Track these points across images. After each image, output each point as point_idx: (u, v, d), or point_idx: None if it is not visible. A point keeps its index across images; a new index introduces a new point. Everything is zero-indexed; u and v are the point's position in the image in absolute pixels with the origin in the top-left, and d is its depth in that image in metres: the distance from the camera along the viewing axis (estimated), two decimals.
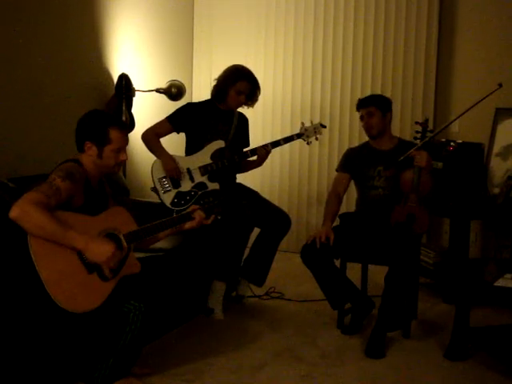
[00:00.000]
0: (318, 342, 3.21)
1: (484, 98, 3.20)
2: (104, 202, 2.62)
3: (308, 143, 3.78)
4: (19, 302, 2.37)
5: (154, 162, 3.56)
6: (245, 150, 3.73)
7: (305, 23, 4.98)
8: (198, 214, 2.75)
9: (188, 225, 2.75)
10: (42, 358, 2.47)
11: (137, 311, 2.45)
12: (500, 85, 3.16)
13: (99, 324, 2.45)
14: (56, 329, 2.41)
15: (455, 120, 3.48)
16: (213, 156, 3.57)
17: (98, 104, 4.15)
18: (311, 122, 3.78)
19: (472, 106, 3.25)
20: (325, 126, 3.82)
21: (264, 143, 3.69)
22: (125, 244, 2.51)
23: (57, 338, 2.46)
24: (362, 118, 3.48)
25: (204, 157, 3.57)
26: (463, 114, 3.35)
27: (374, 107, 3.41)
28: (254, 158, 3.68)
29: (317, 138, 3.78)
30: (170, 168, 3.49)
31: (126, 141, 2.61)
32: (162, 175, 3.51)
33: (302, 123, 3.76)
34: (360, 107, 3.48)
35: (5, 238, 2.40)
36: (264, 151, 3.63)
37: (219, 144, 3.60)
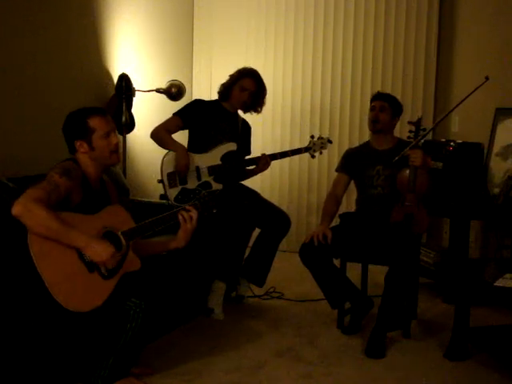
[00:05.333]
0: (317, 342, 3.21)
1: (472, 93, 3.18)
2: (104, 202, 2.61)
3: (312, 157, 3.86)
4: (20, 302, 2.37)
5: (166, 154, 3.52)
6: (247, 157, 3.77)
7: (305, 23, 4.99)
8: (184, 218, 2.69)
9: (173, 245, 2.73)
10: (42, 357, 2.47)
11: (137, 308, 2.45)
12: (486, 78, 3.16)
13: (100, 322, 2.45)
14: (57, 328, 2.41)
15: (443, 119, 3.48)
16: (223, 158, 3.58)
17: (98, 104, 4.15)
18: (320, 137, 3.82)
19: (459, 104, 3.26)
20: (331, 142, 3.88)
21: (271, 153, 3.73)
22: (123, 242, 2.51)
23: (58, 338, 2.45)
24: (372, 108, 3.45)
25: (214, 157, 3.58)
26: (451, 111, 3.39)
27: (388, 104, 3.42)
28: (253, 167, 3.72)
29: (321, 153, 3.85)
30: (183, 164, 3.47)
31: (109, 124, 2.59)
32: (172, 170, 3.50)
33: (312, 137, 3.82)
34: (376, 99, 3.47)
35: (5, 239, 2.40)
36: (265, 161, 3.67)
37: (231, 146, 3.62)
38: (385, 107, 3.42)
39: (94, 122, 2.54)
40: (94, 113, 2.57)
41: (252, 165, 3.69)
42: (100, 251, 2.36)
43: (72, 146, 2.57)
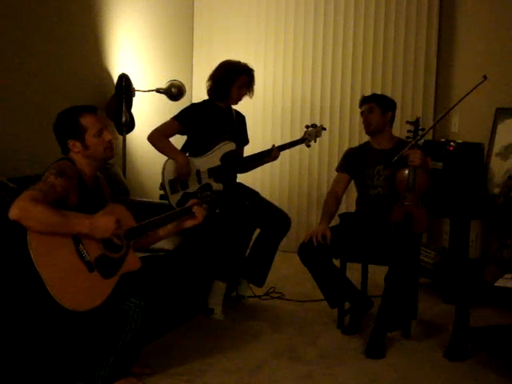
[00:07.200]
0: (317, 342, 3.21)
1: (470, 92, 3.21)
2: (100, 202, 2.60)
3: (308, 146, 3.85)
4: (20, 302, 2.36)
5: (167, 161, 3.49)
6: (257, 152, 3.76)
7: (305, 22, 4.98)
8: (199, 210, 2.74)
9: (190, 223, 2.75)
10: (42, 357, 2.47)
11: (137, 309, 2.45)
12: (484, 77, 3.18)
13: (100, 322, 2.45)
14: (57, 328, 2.41)
15: (442, 118, 3.50)
16: (223, 158, 3.58)
17: (98, 104, 4.14)
18: (314, 125, 3.82)
19: (457, 103, 3.29)
20: (325, 129, 3.89)
21: (271, 147, 3.72)
22: (125, 241, 2.51)
23: (57, 338, 2.45)
24: (362, 113, 3.50)
25: (214, 159, 3.57)
26: (449, 111, 3.43)
27: (374, 103, 3.45)
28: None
29: (315, 141, 3.85)
30: (185, 173, 3.47)
31: (101, 121, 2.59)
32: (173, 177, 3.48)
33: (307, 127, 3.81)
34: (362, 103, 3.52)
35: (4, 239, 2.39)
36: (277, 153, 3.69)
37: (230, 146, 3.61)
38: (372, 108, 3.44)
39: (86, 121, 2.53)
40: (85, 111, 2.56)
41: (259, 159, 3.67)
42: (105, 227, 2.36)
43: (65, 146, 2.55)
